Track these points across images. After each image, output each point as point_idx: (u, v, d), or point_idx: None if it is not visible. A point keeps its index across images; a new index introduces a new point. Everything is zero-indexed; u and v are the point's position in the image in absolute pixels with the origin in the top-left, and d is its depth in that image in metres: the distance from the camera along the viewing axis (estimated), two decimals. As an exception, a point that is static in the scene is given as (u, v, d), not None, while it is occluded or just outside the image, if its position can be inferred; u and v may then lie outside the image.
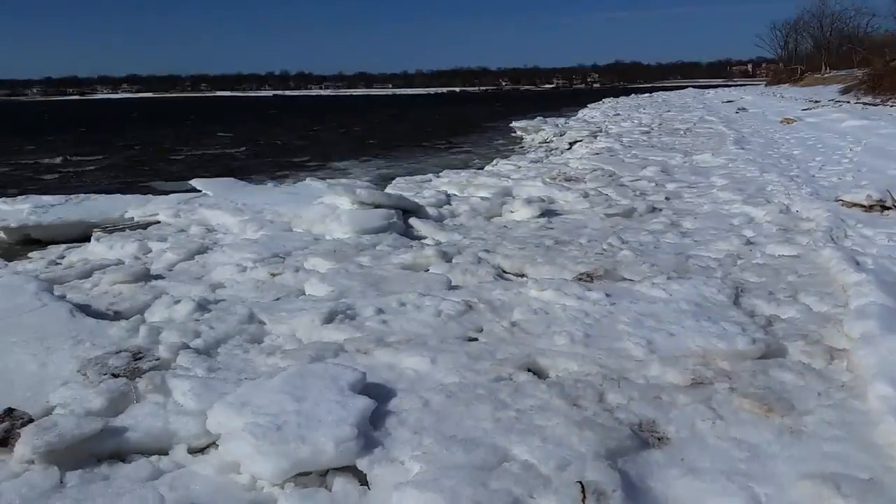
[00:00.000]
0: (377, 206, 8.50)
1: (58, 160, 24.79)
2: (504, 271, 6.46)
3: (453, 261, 6.59)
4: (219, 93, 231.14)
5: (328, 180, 11.55)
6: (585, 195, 10.01)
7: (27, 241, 11.16)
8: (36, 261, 8.93)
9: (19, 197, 13.10)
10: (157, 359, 4.32)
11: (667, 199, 9.83)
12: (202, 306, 5.69)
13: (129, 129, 45.94)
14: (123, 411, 3.72)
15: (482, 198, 9.88)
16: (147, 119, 62.53)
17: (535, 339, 4.44)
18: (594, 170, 13.07)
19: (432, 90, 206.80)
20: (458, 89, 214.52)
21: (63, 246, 9.42)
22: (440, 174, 14.55)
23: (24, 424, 3.50)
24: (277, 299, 5.64)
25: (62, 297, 6.12)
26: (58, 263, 8.44)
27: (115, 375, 4.06)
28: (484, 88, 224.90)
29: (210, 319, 4.98)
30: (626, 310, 4.83)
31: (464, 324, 4.74)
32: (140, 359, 4.32)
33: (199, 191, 11.25)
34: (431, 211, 9.10)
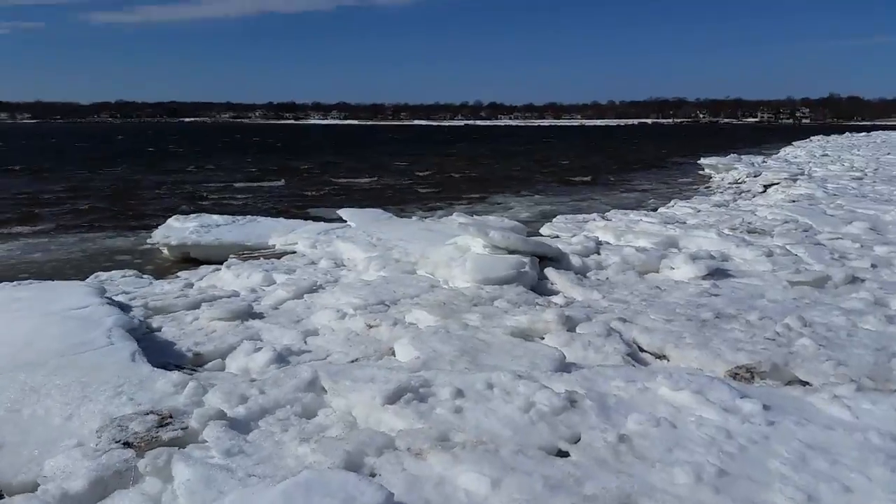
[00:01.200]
0: (512, 252, 7.54)
1: (239, 183, 26.59)
2: (639, 349, 5.20)
3: (577, 329, 5.44)
4: (415, 121, 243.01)
5: (473, 217, 10.76)
6: (769, 254, 8.30)
7: (186, 259, 11.57)
8: (175, 282, 9.01)
9: (192, 215, 13.82)
10: (185, 427, 3.68)
11: (873, 266, 7.80)
12: (281, 357, 5.11)
13: (319, 152, 49.01)
14: (107, 496, 3.09)
15: (639, 248, 8.53)
16: (338, 143, 66.70)
17: (646, 467, 3.21)
18: (786, 221, 11.07)
19: (623, 121, 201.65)
20: (650, 121, 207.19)
21: (211, 267, 9.48)
22: (606, 214, 13.29)
23: (-9, 504, 2.98)
24: (356, 360, 4.87)
25: (146, 330, 5.85)
26: (191, 286, 8.42)
27: (126, 444, 3.46)
28: (679, 121, 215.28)
29: (269, 381, 4.29)
30: (787, 436, 3.43)
31: (557, 428, 3.62)
32: (166, 425, 3.70)
33: (345, 220, 10.99)
34: (575, 260, 7.95)
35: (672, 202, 15.19)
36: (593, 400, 3.91)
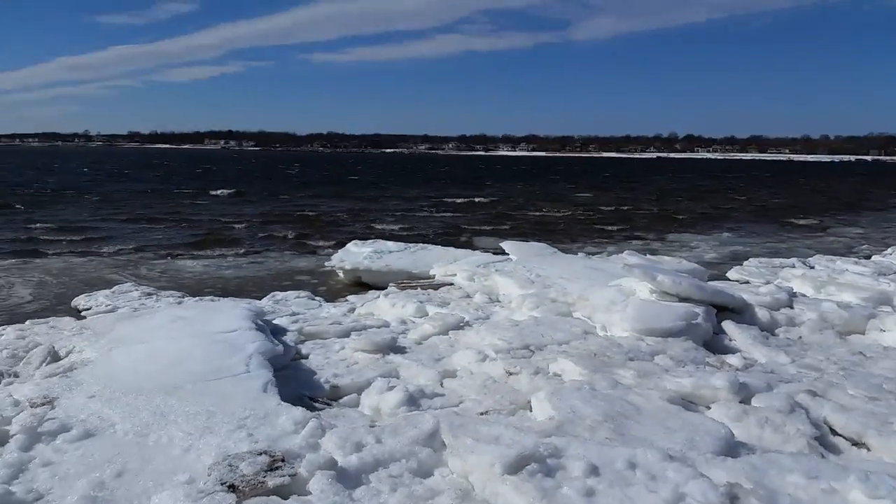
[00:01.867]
0: (684, 299, 6.72)
1: (422, 212, 27.28)
2: (831, 432, 4.25)
3: (753, 400, 4.58)
4: (604, 154, 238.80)
5: (647, 256, 9.92)
6: None
7: (358, 283, 11.88)
8: (341, 306, 9.20)
9: (369, 241, 14.27)
10: (293, 474, 3.47)
11: None
12: (413, 399, 4.83)
13: (502, 183, 49.44)
14: (196, 548, 2.92)
15: (842, 304, 7.26)
16: (522, 174, 66.98)
17: None
18: None
19: (837, 158, 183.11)
20: (870, 158, 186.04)
21: (377, 294, 9.56)
22: (808, 260, 11.76)
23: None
24: (486, 413, 4.44)
25: (295, 355, 5.85)
26: (353, 311, 8.51)
27: (230, 488, 3.31)
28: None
29: (388, 429, 3.98)
30: None
31: (709, 533, 2.92)
32: (275, 469, 3.51)
33: (507, 253, 10.65)
34: (762, 314, 6.93)
35: (890, 250, 13.13)
36: (761, 500, 3.15)
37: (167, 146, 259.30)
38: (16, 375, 4.95)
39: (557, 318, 6.73)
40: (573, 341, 5.85)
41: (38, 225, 19.22)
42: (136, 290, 10.25)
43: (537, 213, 26.00)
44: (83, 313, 8.95)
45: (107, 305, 9.14)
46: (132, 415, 4.12)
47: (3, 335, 6.28)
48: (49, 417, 4.03)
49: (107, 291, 10.15)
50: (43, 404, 4.25)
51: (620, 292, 7.05)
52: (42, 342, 5.74)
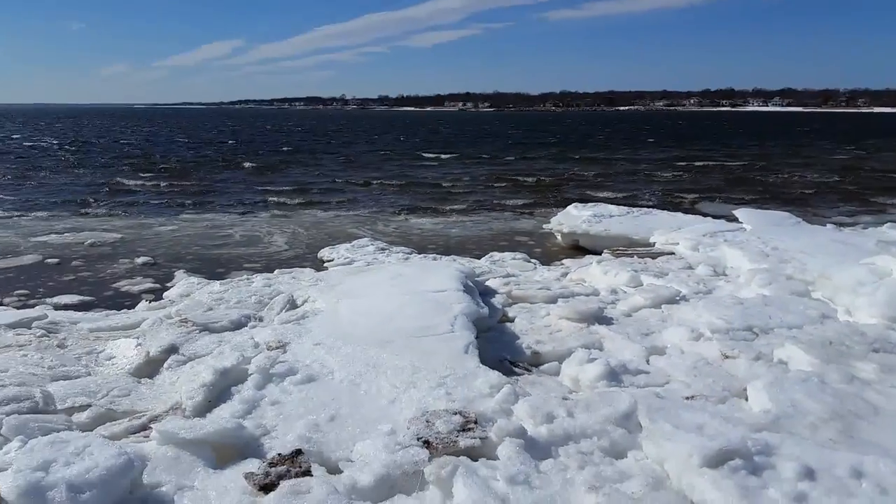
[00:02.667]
0: (957, 284, 5.67)
1: (645, 171, 25.92)
2: None
3: None
4: (875, 108, 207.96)
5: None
6: None
7: (576, 247, 11.74)
8: (555, 269, 9.14)
9: (590, 203, 13.98)
10: (484, 437, 3.55)
11: None
12: (614, 374, 4.68)
13: (743, 141, 45.25)
14: (389, 499, 3.11)
15: None
16: (767, 132, 60.63)
17: None
18: None
19: None
20: None
21: (592, 259, 9.38)
22: None
23: (297, 475, 3.25)
24: (693, 397, 4.14)
25: (502, 318, 5.95)
26: (564, 276, 8.43)
27: (425, 443, 3.48)
28: None
29: (581, 403, 3.90)
30: None
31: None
32: (467, 430, 3.62)
33: (740, 222, 9.78)
34: None
35: None
36: None
37: (410, 108, 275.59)
38: (259, 320, 5.64)
39: (791, 298, 6.05)
40: (806, 325, 5.23)
41: (281, 187, 21.61)
42: (372, 244, 11.11)
43: (782, 177, 23.48)
44: (325, 264, 9.93)
45: (346, 258, 10.02)
46: (348, 364, 4.49)
47: (253, 282, 7.18)
48: (280, 360, 4.54)
49: (347, 245, 11.15)
50: (277, 348, 4.80)
51: (872, 272, 6.13)
52: (283, 290, 6.46)
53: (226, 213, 15.49)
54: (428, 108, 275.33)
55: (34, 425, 3.72)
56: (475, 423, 3.72)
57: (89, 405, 4.10)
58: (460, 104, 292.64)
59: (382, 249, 10.74)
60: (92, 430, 3.76)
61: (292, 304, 6.02)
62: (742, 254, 7.64)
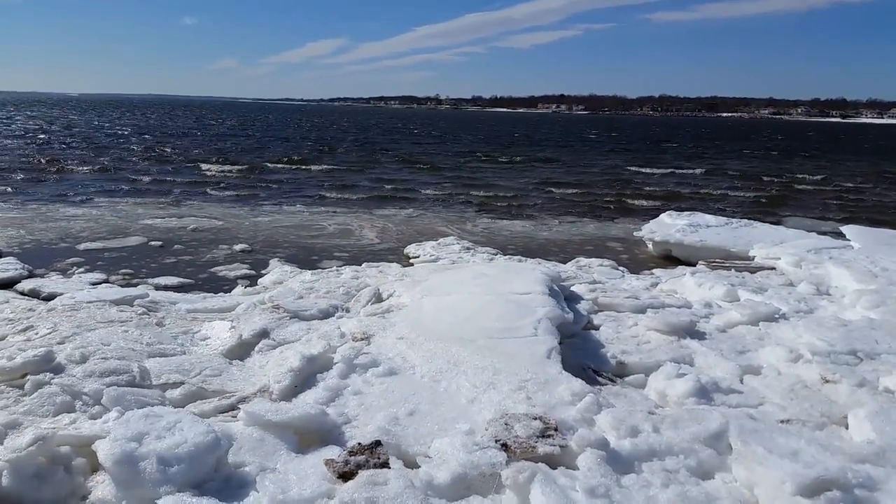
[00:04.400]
0: None
1: (735, 183, 24.70)
2: None
3: None
4: None
5: None
6: None
7: (667, 257, 11.36)
8: (644, 278, 8.87)
9: (685, 212, 13.53)
10: (564, 445, 3.48)
11: None
12: (705, 391, 4.51)
13: (849, 157, 42.60)
14: (464, 499, 3.10)
15: None
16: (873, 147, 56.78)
17: None
18: None
19: None
20: None
21: (685, 270, 9.08)
22: None
23: (375, 465, 3.29)
24: (788, 421, 3.92)
25: (587, 325, 5.83)
26: (655, 286, 8.18)
27: (503, 446, 3.44)
28: None
29: (668, 419, 3.76)
30: None
31: None
32: (547, 436, 3.56)
33: (847, 239, 9.20)
34: None
35: None
36: None
37: (504, 110, 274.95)
38: (347, 311, 5.77)
39: (901, 323, 5.64)
40: (917, 353, 4.85)
41: (386, 185, 22.00)
42: (458, 243, 11.14)
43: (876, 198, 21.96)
44: (411, 260, 10.05)
45: (431, 255, 10.10)
46: (429, 360, 4.51)
47: (342, 274, 7.35)
48: (364, 352, 4.62)
49: (433, 242, 11.23)
50: (361, 339, 4.88)
51: None
52: (370, 283, 6.57)
53: (321, 207, 15.95)
54: (520, 110, 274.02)
55: (131, 398, 3.93)
56: (555, 429, 3.65)
57: (182, 382, 4.30)
58: (553, 106, 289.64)
59: (468, 249, 10.76)
60: (183, 407, 3.94)
61: (378, 298, 6.12)
62: (848, 273, 7.18)
